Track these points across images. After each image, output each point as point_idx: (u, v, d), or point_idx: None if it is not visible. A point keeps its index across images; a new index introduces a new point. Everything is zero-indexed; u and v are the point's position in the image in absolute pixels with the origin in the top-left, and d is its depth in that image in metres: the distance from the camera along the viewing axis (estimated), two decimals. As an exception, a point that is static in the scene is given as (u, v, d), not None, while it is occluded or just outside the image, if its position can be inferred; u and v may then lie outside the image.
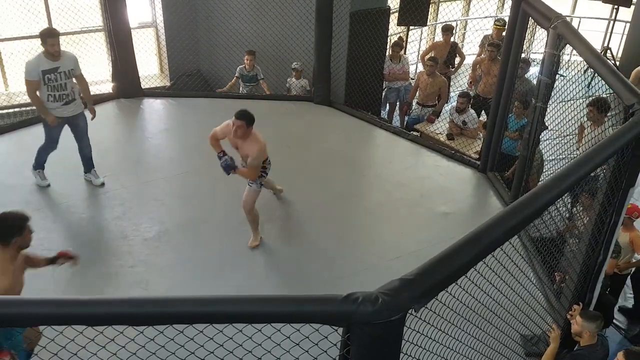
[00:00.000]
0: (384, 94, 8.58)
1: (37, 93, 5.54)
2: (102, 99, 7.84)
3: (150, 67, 8.95)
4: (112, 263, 5.06)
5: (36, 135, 6.61)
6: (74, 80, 5.72)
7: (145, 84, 8.25)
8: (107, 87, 8.31)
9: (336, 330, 1.92)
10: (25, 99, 7.83)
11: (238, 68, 8.21)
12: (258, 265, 5.09)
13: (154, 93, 8.26)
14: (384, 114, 8.83)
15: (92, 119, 5.96)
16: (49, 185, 6.04)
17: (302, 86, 8.32)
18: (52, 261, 3.80)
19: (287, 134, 7.30)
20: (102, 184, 6.11)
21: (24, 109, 7.82)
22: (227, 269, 5.02)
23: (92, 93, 7.68)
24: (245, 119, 4.75)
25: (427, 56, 8.35)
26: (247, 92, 8.30)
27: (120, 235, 5.40)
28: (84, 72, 5.81)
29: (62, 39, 8.04)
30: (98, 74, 8.69)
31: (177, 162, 6.68)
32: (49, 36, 5.44)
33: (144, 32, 8.78)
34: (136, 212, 5.71)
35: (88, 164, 6.14)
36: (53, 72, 5.47)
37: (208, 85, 8.97)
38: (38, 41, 7.96)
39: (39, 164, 6.01)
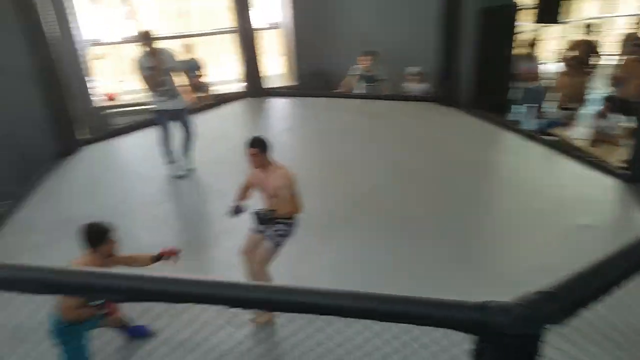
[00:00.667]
0: (515, 94, 8.16)
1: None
2: (231, 97, 8.25)
3: (277, 67, 9.25)
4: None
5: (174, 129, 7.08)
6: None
7: (272, 84, 8.53)
8: (237, 87, 8.71)
9: (468, 338, 1.83)
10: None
11: (356, 67, 8.24)
12: (382, 265, 4.98)
13: (280, 92, 8.51)
14: (514, 116, 8.41)
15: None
16: (182, 177, 6.41)
17: (422, 90, 8.16)
18: (157, 259, 3.82)
19: (410, 136, 7.19)
20: (181, 176, 6.40)
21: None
22: (352, 265, 4.99)
23: (222, 92, 8.13)
24: (258, 145, 4.14)
25: (568, 55, 7.81)
26: (368, 92, 8.33)
27: (247, 227, 5.58)
28: (218, 72, 6.06)
29: (199, 39, 8.68)
30: (228, 73, 9.16)
31: (299, 160, 6.80)
32: (142, 38, 5.89)
33: (273, 32, 9.09)
34: (261, 206, 5.89)
35: (184, 152, 6.48)
36: (152, 70, 5.90)
37: (330, 85, 9.10)
38: (183, 40, 8.56)
39: (167, 158, 6.39)
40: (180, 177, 6.43)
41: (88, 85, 8.20)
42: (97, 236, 3.55)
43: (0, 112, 7.06)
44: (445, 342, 2.02)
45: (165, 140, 6.32)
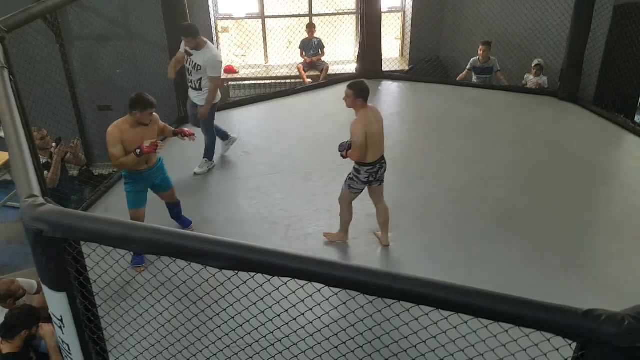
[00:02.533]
0: (643, 96, 7.64)
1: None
2: (345, 78, 8.35)
3: (391, 51, 9.23)
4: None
5: (288, 105, 7.34)
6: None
7: (385, 67, 8.54)
8: (351, 68, 8.82)
9: (570, 344, 1.83)
10: (281, 72, 8.78)
11: (471, 60, 8.05)
12: (483, 261, 4.93)
13: (393, 76, 8.51)
14: (639, 118, 7.88)
15: (199, 117, 6.11)
16: (236, 139, 6.63)
17: (540, 83, 7.83)
18: (175, 133, 5.10)
19: (525, 129, 6.97)
20: (195, 174, 6.35)
21: (279, 81, 8.70)
22: (453, 258, 4.98)
23: (337, 72, 8.26)
24: (354, 89, 4.52)
25: None
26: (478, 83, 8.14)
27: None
28: (333, 52, 6.02)
29: (317, 19, 8.85)
30: (344, 54, 9.28)
31: (406, 144, 6.83)
32: (182, 35, 5.87)
33: (391, 16, 9.06)
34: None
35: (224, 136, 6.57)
36: (188, 56, 5.92)
37: (445, 72, 8.95)
38: (297, 20, 8.79)
39: (222, 136, 6.54)
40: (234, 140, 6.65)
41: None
42: (133, 103, 4.54)
43: (135, 77, 7.62)
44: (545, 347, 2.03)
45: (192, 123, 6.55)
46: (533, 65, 7.83)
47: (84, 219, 2.39)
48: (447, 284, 1.86)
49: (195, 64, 5.93)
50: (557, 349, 1.93)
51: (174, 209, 5.34)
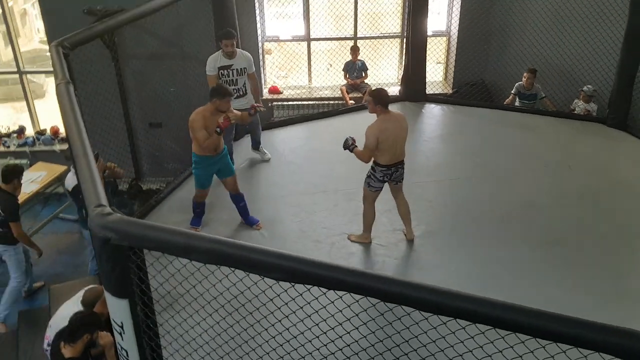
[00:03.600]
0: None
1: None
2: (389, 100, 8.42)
3: (434, 74, 9.27)
4: (380, 252, 5.44)
5: (331, 126, 7.43)
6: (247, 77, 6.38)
7: (428, 90, 8.58)
8: (394, 90, 8.89)
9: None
10: (324, 93, 8.91)
11: (516, 84, 8.02)
12: (527, 285, 4.88)
13: (437, 99, 8.53)
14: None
15: (254, 113, 6.11)
16: (269, 160, 6.96)
17: (589, 110, 7.74)
18: (250, 114, 5.71)
19: (572, 155, 6.90)
20: (269, 159, 6.92)
21: (323, 102, 8.81)
22: (493, 283, 4.97)
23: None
24: (373, 96, 4.98)
25: None
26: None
27: (390, 228, 5.74)
28: (376, 74, 6.21)
29: (362, 42, 8.99)
30: (387, 76, 9.36)
31: (449, 167, 6.83)
32: (225, 37, 6.16)
33: (435, 40, 9.12)
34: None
35: (256, 145, 7.02)
36: (227, 69, 6.20)
37: (490, 96, 8.93)
38: (340, 43, 8.95)
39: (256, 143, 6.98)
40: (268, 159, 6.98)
41: (260, 77, 8.83)
42: (213, 92, 5.16)
43: (185, 95, 7.84)
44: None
45: (229, 138, 6.64)
46: (582, 90, 7.73)
47: (150, 228, 2.50)
48: (502, 302, 1.89)
49: (241, 68, 6.28)
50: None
51: (240, 203, 5.76)
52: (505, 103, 8.27)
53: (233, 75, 6.27)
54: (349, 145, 5.11)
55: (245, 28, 8.06)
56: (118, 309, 2.69)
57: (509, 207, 5.94)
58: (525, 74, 7.84)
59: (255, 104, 5.86)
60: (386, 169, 5.09)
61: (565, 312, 1.85)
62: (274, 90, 8.91)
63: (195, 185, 5.60)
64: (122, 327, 2.74)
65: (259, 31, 8.54)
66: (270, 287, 2.48)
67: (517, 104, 8.16)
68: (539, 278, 4.96)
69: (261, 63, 8.79)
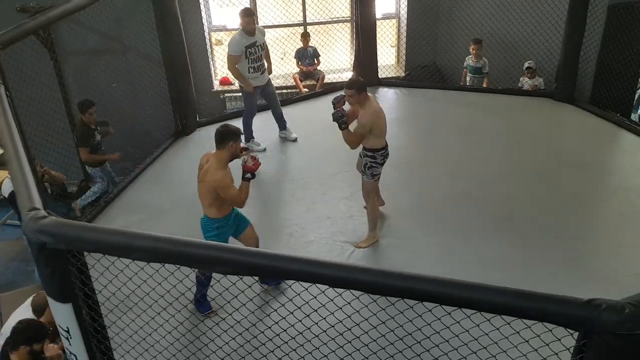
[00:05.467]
0: (637, 94, 7.68)
1: (237, 66, 6.32)
2: (341, 86, 8.36)
3: (387, 58, 9.27)
4: (339, 239, 5.44)
5: (286, 115, 7.32)
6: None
7: (381, 74, 8.58)
8: (347, 75, 8.85)
9: (571, 334, 1.85)
10: (277, 82, 8.82)
11: (466, 58, 8.15)
12: (485, 259, 4.98)
13: (389, 82, 8.55)
14: (635, 116, 7.92)
15: (270, 73, 6.62)
16: (265, 150, 6.83)
17: (536, 85, 7.89)
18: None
19: (520, 130, 7.02)
20: (295, 139, 6.89)
21: (276, 92, 8.70)
22: (454, 258, 5.02)
23: (334, 81, 8.38)
24: (354, 86, 4.74)
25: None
26: (471, 84, 8.27)
27: (348, 214, 5.76)
28: (329, 60, 6.17)
29: (312, 28, 8.93)
30: (340, 62, 9.32)
31: (405, 150, 6.85)
32: (247, 15, 6.16)
33: (386, 23, 9.11)
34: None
35: (282, 123, 6.94)
36: (252, 47, 6.21)
37: (442, 77, 9.00)
38: (291, 30, 8.88)
39: (249, 135, 6.81)
40: (264, 150, 6.84)
41: (209, 69, 8.68)
42: (228, 134, 4.14)
43: (130, 91, 7.65)
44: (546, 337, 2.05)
45: (252, 115, 6.74)
46: (525, 68, 7.89)
47: (87, 229, 2.42)
48: (451, 280, 1.89)
49: (262, 43, 6.32)
50: (560, 339, 1.95)
51: None
52: (462, 81, 8.35)
53: (258, 52, 6.31)
54: (339, 117, 4.74)
55: (189, 17, 7.89)
56: (62, 314, 2.62)
57: (464, 186, 6.01)
58: (471, 45, 7.93)
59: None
60: (384, 150, 5.01)
61: (519, 285, 1.86)
62: (224, 81, 8.78)
63: None
64: (68, 332, 2.67)
65: (204, 21, 8.37)
66: (218, 281, 2.42)
67: (467, 78, 8.26)
68: (496, 254, 5.04)
69: (209, 54, 8.63)
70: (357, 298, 2.25)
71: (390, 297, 1.99)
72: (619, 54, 7.19)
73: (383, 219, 5.62)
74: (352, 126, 4.91)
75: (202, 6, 8.29)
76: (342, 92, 4.97)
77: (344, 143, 6.86)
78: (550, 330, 1.89)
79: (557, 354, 2.09)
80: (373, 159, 4.98)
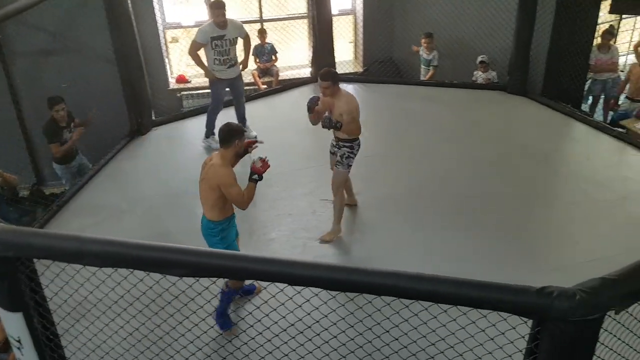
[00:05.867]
0: (587, 85, 7.92)
1: (201, 55, 6.35)
2: (300, 82, 8.40)
3: (345, 53, 9.30)
4: (301, 235, 5.42)
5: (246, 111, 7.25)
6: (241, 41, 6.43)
7: (339, 70, 8.59)
8: (306, 72, 8.85)
9: (525, 322, 1.89)
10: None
11: (420, 50, 8.29)
12: (442, 251, 5.05)
13: (348, 78, 8.57)
14: (585, 107, 8.16)
15: (243, 69, 6.65)
16: (255, 137, 6.66)
17: (489, 78, 8.05)
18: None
19: (476, 123, 7.13)
20: (255, 137, 6.71)
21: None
22: (411, 250, 5.07)
23: (292, 77, 8.33)
24: (329, 78, 4.78)
25: (642, 46, 7.53)
26: (424, 75, 8.42)
27: (310, 210, 5.74)
28: (287, 56, 6.21)
29: (268, 25, 8.87)
30: (298, 59, 9.30)
31: (363, 145, 6.84)
32: (216, 7, 6.13)
33: (343, 19, 9.14)
34: (324, 190, 6.00)
35: (242, 120, 6.89)
36: (220, 39, 6.19)
37: (399, 72, 9.08)
38: (250, 26, 8.80)
39: (210, 131, 6.76)
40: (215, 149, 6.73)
41: (164, 67, 8.53)
42: (233, 132, 4.03)
43: (81, 91, 7.45)
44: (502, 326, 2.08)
45: (218, 110, 6.68)
46: (478, 62, 8.03)
47: (35, 235, 2.34)
48: (408, 273, 1.89)
49: (233, 38, 6.26)
50: (514, 327, 1.98)
51: None
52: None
53: (226, 46, 6.29)
54: (329, 123, 4.83)
55: (142, 15, 7.73)
56: (13, 324, 2.52)
57: (423, 179, 6.08)
58: (423, 40, 8.04)
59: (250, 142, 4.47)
60: (359, 140, 5.09)
61: (476, 276, 1.88)
62: (181, 79, 8.65)
63: None
64: (19, 341, 2.57)
65: (158, 18, 8.21)
66: (174, 284, 2.38)
67: (422, 71, 8.37)
68: (453, 245, 5.11)
69: (164, 52, 8.48)
70: (317, 295, 2.24)
71: (348, 292, 1.98)
72: (569, 46, 7.38)
73: (344, 213, 5.63)
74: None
75: (155, 4, 8.13)
76: (312, 96, 5.04)
77: (303, 139, 6.96)
78: (505, 319, 1.92)
79: (512, 342, 2.13)
80: (350, 149, 5.06)
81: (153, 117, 7.49)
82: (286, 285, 2.04)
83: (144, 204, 5.86)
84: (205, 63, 6.47)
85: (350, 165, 5.16)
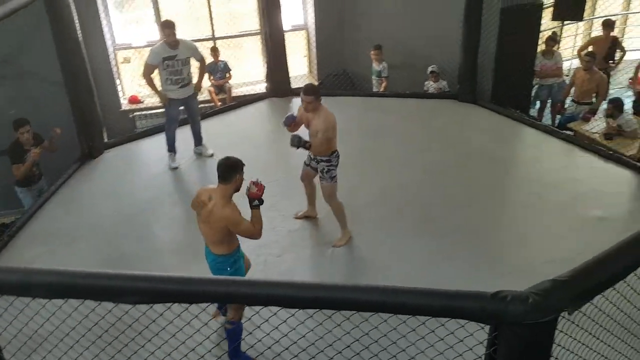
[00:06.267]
0: (534, 91, 8.16)
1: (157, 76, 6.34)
2: (255, 98, 8.38)
3: (299, 68, 9.34)
4: (262, 252, 5.37)
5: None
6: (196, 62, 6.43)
7: (294, 84, 8.62)
8: (261, 88, 8.84)
9: (483, 328, 1.90)
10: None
11: (372, 63, 8.37)
12: (400, 257, 5.08)
13: (303, 92, 8.59)
14: (533, 112, 8.41)
15: (197, 90, 6.66)
16: (176, 168, 6.72)
17: (440, 88, 8.22)
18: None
19: (430, 132, 7.25)
20: (212, 155, 6.78)
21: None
22: (370, 258, 5.10)
23: (246, 93, 8.30)
24: (313, 93, 4.85)
25: (585, 51, 7.80)
26: (376, 86, 8.53)
27: (270, 226, 5.69)
28: (241, 73, 6.21)
29: (221, 42, 8.84)
30: (253, 75, 9.29)
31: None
32: (166, 27, 6.11)
33: (296, 34, 9.19)
34: (284, 204, 6.00)
35: (198, 139, 6.89)
36: (171, 59, 6.15)
37: (352, 84, 9.17)
38: (202, 44, 8.77)
39: (171, 147, 6.72)
40: (175, 169, 6.74)
41: (115, 88, 8.39)
42: (234, 166, 3.81)
43: (29, 115, 7.23)
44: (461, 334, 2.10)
45: (173, 127, 6.64)
46: (429, 72, 8.19)
47: (-21, 269, 2.24)
48: (364, 285, 1.89)
49: (185, 58, 6.21)
50: (472, 334, 2.00)
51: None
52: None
53: (178, 66, 6.22)
54: (299, 142, 4.82)
55: (91, 37, 7.59)
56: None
57: (381, 188, 6.12)
58: (372, 52, 8.16)
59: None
60: (337, 152, 5.13)
61: (434, 283, 1.88)
62: (133, 100, 8.52)
63: None
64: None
65: (108, 39, 8.08)
66: (127, 312, 2.31)
67: (373, 82, 8.47)
68: (413, 252, 5.17)
69: (115, 73, 8.34)
70: (275, 314, 2.21)
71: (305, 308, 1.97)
72: (514, 53, 7.59)
73: (304, 224, 5.66)
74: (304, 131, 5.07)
75: (104, 26, 8.01)
76: (289, 113, 5.12)
77: (260, 154, 6.93)
78: (463, 326, 1.93)
79: (471, 348, 2.15)
80: (329, 163, 5.08)
81: (105, 139, 7.33)
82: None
83: (98, 229, 5.72)
84: (159, 85, 6.39)
85: (334, 177, 5.16)
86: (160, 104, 8.45)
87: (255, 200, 3.83)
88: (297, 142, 4.83)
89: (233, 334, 3.84)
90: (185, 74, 6.31)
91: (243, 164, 3.85)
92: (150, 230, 5.81)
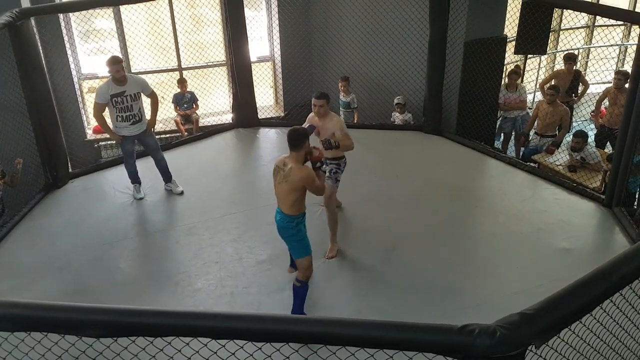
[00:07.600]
0: (498, 123, 8.36)
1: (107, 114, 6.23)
2: (222, 128, 8.38)
3: (266, 99, 9.40)
4: (228, 283, 5.30)
5: (167, 159, 7.09)
6: (146, 98, 6.35)
7: (261, 115, 8.66)
8: (227, 118, 8.85)
9: (450, 361, 1.90)
10: (156, 127, 8.56)
11: (340, 95, 8.45)
12: (364, 291, 5.09)
13: (270, 123, 8.64)
14: (497, 144, 8.60)
15: (150, 130, 6.56)
16: (142, 199, 6.65)
17: (406, 119, 8.36)
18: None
19: (396, 163, 7.33)
20: (182, 192, 6.72)
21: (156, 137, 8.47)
22: (334, 293, 5.07)
23: (213, 123, 8.28)
24: (325, 97, 5.28)
25: (548, 85, 8.06)
26: (344, 118, 8.50)
27: (236, 257, 5.65)
28: (208, 103, 6.14)
29: (188, 73, 8.85)
30: (219, 105, 9.30)
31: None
32: (113, 63, 6.02)
33: (262, 65, 9.26)
34: (251, 235, 5.96)
35: (166, 175, 6.78)
36: (120, 96, 6.07)
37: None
38: (170, 75, 8.77)
39: (133, 179, 6.68)
40: (141, 199, 6.66)
41: (80, 118, 8.29)
42: (302, 135, 4.38)
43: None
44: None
45: (132, 161, 6.57)
46: (395, 103, 8.32)
47: None
48: (330, 318, 1.88)
49: (134, 93, 6.10)
50: (441, 368, 2.00)
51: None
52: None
53: (127, 102, 6.10)
54: (329, 144, 5.12)
55: (56, 67, 7.52)
56: None
57: (346, 219, 6.12)
58: (340, 83, 8.27)
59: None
60: (345, 158, 5.56)
61: (401, 316, 1.88)
62: (98, 130, 8.38)
63: (305, 253, 4.55)
64: None
65: (73, 69, 8.01)
66: (91, 345, 2.24)
67: (340, 113, 8.55)
68: (378, 284, 5.16)
69: (80, 102, 8.24)
70: (242, 347, 2.17)
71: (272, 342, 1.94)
72: (478, 86, 7.80)
73: (271, 255, 5.60)
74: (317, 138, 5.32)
75: (69, 56, 7.93)
76: (307, 125, 5.27)
77: (226, 185, 6.90)
78: (431, 360, 1.93)
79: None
80: (337, 166, 5.50)
81: (70, 169, 7.19)
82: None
83: (62, 261, 5.57)
84: (110, 123, 6.31)
85: (338, 180, 5.55)
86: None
87: (318, 163, 4.54)
88: (329, 144, 5.13)
89: (299, 291, 4.60)
90: (136, 110, 6.16)
91: (308, 133, 4.53)
92: (115, 262, 5.68)
